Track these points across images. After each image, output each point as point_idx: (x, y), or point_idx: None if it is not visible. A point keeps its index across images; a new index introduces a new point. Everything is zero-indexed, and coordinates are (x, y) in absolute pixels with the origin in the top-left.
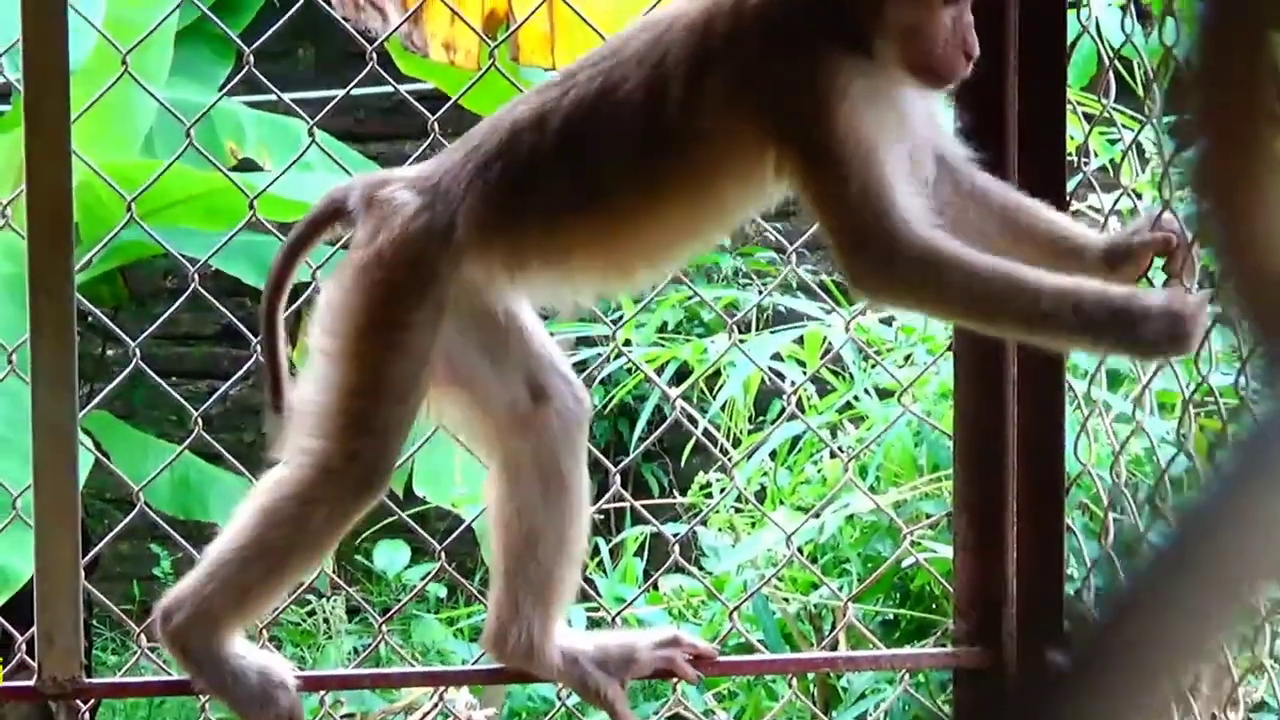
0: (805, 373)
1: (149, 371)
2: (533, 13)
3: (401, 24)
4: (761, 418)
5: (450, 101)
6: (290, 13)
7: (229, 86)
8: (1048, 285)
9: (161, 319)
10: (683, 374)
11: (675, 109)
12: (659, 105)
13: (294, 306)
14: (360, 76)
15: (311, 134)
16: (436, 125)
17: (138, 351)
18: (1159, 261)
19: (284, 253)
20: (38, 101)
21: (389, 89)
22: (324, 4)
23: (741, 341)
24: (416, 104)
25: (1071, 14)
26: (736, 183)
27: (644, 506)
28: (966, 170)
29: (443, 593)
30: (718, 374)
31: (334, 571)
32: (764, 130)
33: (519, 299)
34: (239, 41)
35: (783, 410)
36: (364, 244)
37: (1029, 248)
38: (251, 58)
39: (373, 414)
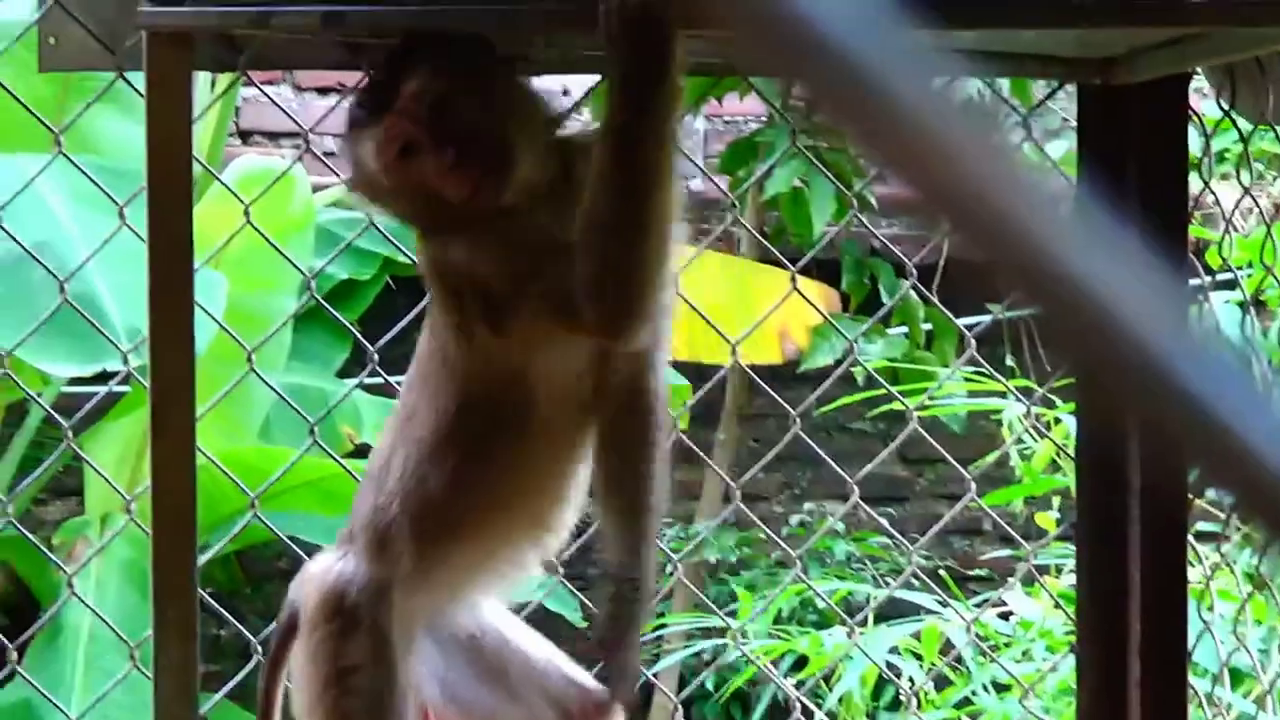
0: (922, 666)
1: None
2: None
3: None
4: (876, 704)
5: None
6: (415, 311)
7: (355, 383)
8: None
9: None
10: (799, 660)
11: None
12: None
13: None
14: None
15: None
16: None
17: (259, 647)
18: None
19: (266, 671)
20: (164, 407)
21: None
22: None
23: (859, 632)
24: None
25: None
26: None
27: None
28: None
29: None
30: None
31: None
32: None
33: (492, 614)
34: (361, 337)
35: (898, 701)
36: (300, 621)
37: None
38: (376, 356)
39: None
